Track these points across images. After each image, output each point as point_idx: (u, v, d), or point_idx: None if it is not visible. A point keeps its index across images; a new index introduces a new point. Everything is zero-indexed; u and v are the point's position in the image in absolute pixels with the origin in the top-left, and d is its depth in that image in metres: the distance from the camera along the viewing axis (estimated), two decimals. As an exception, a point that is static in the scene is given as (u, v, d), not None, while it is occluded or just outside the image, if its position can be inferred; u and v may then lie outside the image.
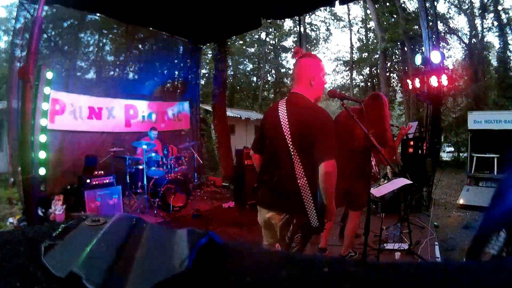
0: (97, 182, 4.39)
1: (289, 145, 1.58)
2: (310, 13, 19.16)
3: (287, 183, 1.61)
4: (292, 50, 1.83)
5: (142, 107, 6.46)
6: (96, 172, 4.46)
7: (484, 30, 15.18)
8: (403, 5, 15.28)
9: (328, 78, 21.89)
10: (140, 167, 5.03)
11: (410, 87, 5.65)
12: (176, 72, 7.81)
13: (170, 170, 5.03)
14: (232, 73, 19.58)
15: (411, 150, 5.17)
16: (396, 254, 3.05)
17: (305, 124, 1.57)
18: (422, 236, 3.59)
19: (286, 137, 1.59)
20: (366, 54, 19.74)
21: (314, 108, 1.63)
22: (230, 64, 18.25)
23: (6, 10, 17.76)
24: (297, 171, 1.57)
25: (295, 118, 1.60)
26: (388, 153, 2.56)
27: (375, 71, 19.51)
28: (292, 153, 1.58)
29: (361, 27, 20.59)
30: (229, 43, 11.05)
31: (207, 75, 15.62)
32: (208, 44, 8.63)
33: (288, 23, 20.53)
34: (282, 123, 1.62)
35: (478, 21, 15.25)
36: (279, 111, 1.67)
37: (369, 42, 19.75)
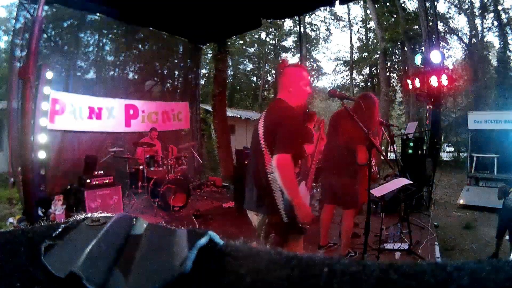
0: (97, 182, 4.38)
1: (261, 143, 1.70)
2: (310, 13, 19.14)
3: (259, 179, 1.71)
4: (283, 57, 1.94)
5: (142, 107, 6.45)
6: (96, 172, 4.45)
7: (484, 30, 15.17)
8: (403, 5, 15.27)
9: (328, 78, 21.96)
10: (140, 167, 5.04)
11: (410, 87, 5.65)
12: (176, 72, 7.81)
13: (170, 170, 5.03)
14: (232, 73, 19.55)
15: (411, 150, 5.17)
16: (396, 254, 3.05)
17: (271, 123, 1.70)
18: (422, 236, 3.59)
19: (260, 136, 1.72)
20: (366, 54, 19.71)
21: (282, 109, 1.74)
22: (230, 64, 18.24)
23: (6, 10, 17.77)
24: (267, 166, 1.68)
25: (268, 118, 1.74)
26: (364, 153, 2.47)
27: (375, 71, 19.48)
28: (263, 151, 1.69)
29: (361, 27, 20.56)
30: (229, 43, 11.03)
31: (207, 75, 15.61)
32: (208, 44, 8.63)
33: (288, 23, 20.50)
34: (259, 124, 1.76)
35: (478, 21, 15.25)
36: (262, 114, 1.82)
37: (369, 42, 19.73)
